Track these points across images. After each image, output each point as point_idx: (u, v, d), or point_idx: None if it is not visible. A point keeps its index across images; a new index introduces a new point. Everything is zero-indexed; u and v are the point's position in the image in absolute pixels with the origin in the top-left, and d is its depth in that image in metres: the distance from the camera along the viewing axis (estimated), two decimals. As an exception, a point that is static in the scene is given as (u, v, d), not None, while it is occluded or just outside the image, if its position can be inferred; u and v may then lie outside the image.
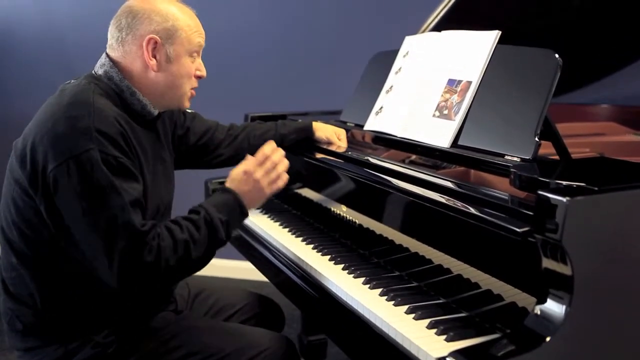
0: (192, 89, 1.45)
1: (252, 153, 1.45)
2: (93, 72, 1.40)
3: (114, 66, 1.37)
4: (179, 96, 1.43)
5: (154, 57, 1.36)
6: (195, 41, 1.41)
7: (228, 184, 1.39)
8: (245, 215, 1.38)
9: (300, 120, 1.89)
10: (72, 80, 1.39)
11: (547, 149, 1.28)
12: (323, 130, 1.83)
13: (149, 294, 1.41)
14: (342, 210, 1.65)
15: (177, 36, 1.37)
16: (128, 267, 1.20)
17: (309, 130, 1.83)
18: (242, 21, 3.19)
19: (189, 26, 1.40)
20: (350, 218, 1.61)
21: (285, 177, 1.45)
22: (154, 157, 1.44)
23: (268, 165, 1.41)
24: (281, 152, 1.44)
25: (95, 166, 1.20)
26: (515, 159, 1.23)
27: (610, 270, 1.00)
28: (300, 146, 1.82)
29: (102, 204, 1.20)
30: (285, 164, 1.44)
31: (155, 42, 1.35)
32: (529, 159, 1.21)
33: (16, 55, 3.59)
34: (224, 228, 1.32)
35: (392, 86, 1.69)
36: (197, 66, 1.44)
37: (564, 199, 0.93)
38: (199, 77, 1.46)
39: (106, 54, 1.40)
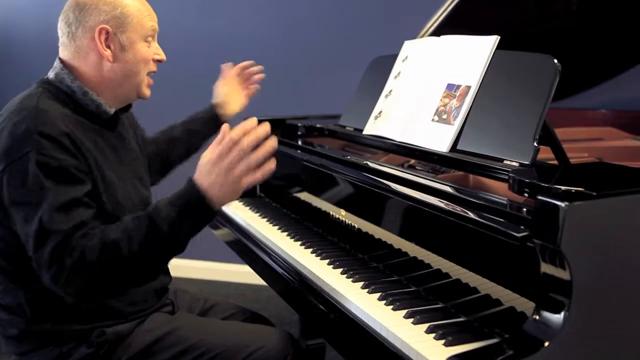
0: (150, 73, 1.42)
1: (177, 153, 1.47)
2: (46, 77, 1.38)
3: (64, 68, 1.35)
4: (137, 84, 1.40)
5: (108, 47, 1.34)
6: (148, 25, 1.39)
7: (196, 175, 1.21)
8: (212, 211, 1.20)
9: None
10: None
11: (546, 154, 1.29)
12: (234, 101, 1.84)
13: (116, 296, 1.35)
14: (341, 214, 1.65)
15: (128, 22, 1.35)
16: (56, 270, 1.17)
17: (215, 118, 1.82)
18: (241, 25, 3.19)
19: (140, 10, 1.37)
20: (349, 222, 1.61)
21: (268, 167, 1.20)
22: (117, 157, 1.41)
23: (244, 145, 1.17)
24: (265, 129, 1.20)
25: (30, 169, 1.19)
26: (514, 163, 1.23)
27: (609, 275, 1.00)
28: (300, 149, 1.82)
29: (35, 208, 1.18)
30: (270, 146, 1.20)
31: (107, 32, 1.33)
32: (527, 163, 1.21)
33: (15, 59, 3.59)
34: (169, 226, 1.17)
35: (391, 90, 1.70)
36: (155, 50, 1.42)
37: (563, 204, 0.93)
38: (158, 61, 1.43)
39: (58, 57, 1.38)
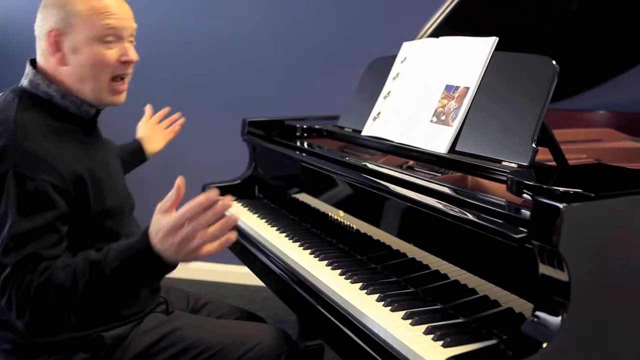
0: (119, 76, 1.33)
1: None
2: (20, 85, 1.34)
3: (37, 73, 1.31)
4: (95, 89, 1.32)
5: (60, 50, 1.29)
6: (100, 24, 1.29)
7: (150, 230, 1.13)
8: (166, 267, 1.15)
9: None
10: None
11: (544, 155, 1.29)
12: (153, 145, 1.86)
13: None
14: (340, 215, 1.65)
15: (74, 23, 1.28)
16: (6, 301, 1.15)
17: (141, 153, 1.83)
18: (241, 26, 3.19)
19: (91, 9, 1.29)
20: (348, 223, 1.61)
21: (227, 239, 1.11)
22: (105, 159, 1.40)
23: (201, 223, 1.09)
24: (224, 205, 1.09)
25: (6, 187, 1.17)
26: (512, 165, 1.24)
27: (607, 276, 1.00)
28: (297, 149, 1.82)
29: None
30: (233, 220, 1.11)
31: (56, 35, 1.28)
32: (526, 165, 1.21)
33: (14, 59, 3.58)
34: (114, 277, 1.14)
35: (389, 92, 1.70)
36: (122, 50, 1.32)
37: (561, 205, 0.93)
38: (126, 62, 1.34)
39: (28, 61, 1.35)
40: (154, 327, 1.41)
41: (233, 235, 1.12)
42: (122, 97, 1.38)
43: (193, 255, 1.13)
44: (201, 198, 1.09)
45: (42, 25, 1.31)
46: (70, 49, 1.30)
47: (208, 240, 1.11)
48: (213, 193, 1.09)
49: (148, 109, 1.94)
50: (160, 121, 1.94)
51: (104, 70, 1.31)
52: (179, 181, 1.11)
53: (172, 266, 1.16)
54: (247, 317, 1.67)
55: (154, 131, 1.91)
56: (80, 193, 1.27)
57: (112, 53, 1.31)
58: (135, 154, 1.84)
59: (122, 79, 1.36)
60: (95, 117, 1.39)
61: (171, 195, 1.12)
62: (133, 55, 1.34)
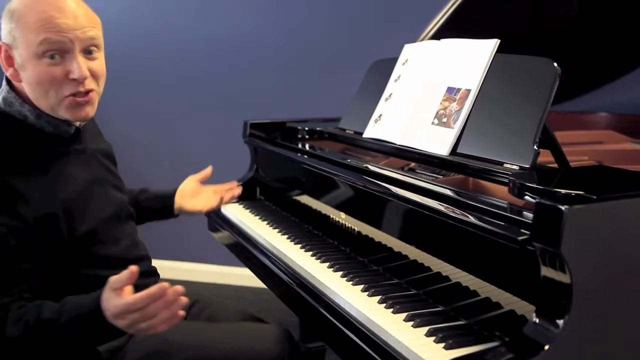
0: (73, 95, 1.21)
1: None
2: None
3: (11, 90, 1.23)
4: (51, 106, 1.22)
5: (11, 65, 1.20)
6: (37, 39, 1.16)
7: (102, 304, 1.13)
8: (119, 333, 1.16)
9: (166, 190, 1.72)
10: None
11: (546, 157, 1.29)
12: (192, 202, 1.69)
13: None
14: (341, 217, 1.65)
15: (18, 38, 1.18)
16: None
17: (168, 199, 1.67)
18: (242, 28, 3.20)
19: (30, 22, 1.16)
20: (349, 225, 1.61)
21: (174, 320, 1.12)
22: (83, 173, 1.32)
23: (149, 312, 1.09)
24: (175, 293, 1.09)
25: None
26: (514, 167, 1.24)
27: (609, 278, 1.00)
28: (298, 151, 1.82)
29: None
30: (171, 311, 1.10)
31: (7, 49, 1.20)
32: (527, 167, 1.21)
33: None
34: (61, 340, 1.16)
35: (391, 94, 1.70)
36: (67, 67, 1.19)
37: (563, 207, 0.93)
38: (75, 80, 1.20)
39: (5, 76, 1.25)
40: (149, 337, 1.32)
41: (181, 314, 1.12)
42: (87, 110, 1.24)
43: (141, 333, 1.14)
44: (154, 289, 1.07)
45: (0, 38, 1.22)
46: (19, 65, 1.20)
47: (154, 325, 1.11)
48: (166, 284, 1.09)
49: (209, 170, 1.79)
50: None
51: (51, 89, 1.19)
52: (134, 268, 1.10)
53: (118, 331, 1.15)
54: (249, 319, 1.66)
55: (207, 192, 1.75)
56: (51, 228, 1.22)
57: (56, 70, 1.19)
58: (162, 210, 1.70)
59: (87, 93, 1.23)
60: (76, 133, 1.31)
61: (122, 277, 1.10)
62: (79, 72, 1.19)
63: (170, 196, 1.71)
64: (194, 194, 1.74)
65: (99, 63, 1.27)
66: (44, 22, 1.16)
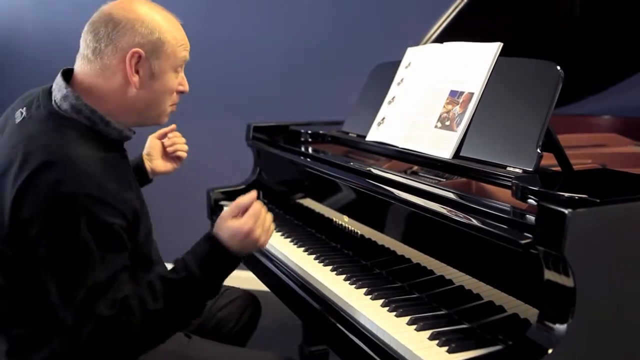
0: (172, 104, 1.35)
1: None
2: (55, 104, 1.23)
3: (80, 97, 1.22)
4: (158, 113, 1.32)
5: (137, 72, 1.24)
6: (181, 55, 1.30)
7: (224, 236, 1.25)
8: (236, 260, 1.29)
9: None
10: (25, 110, 1.24)
11: (549, 160, 1.29)
12: (161, 162, 1.73)
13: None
14: (344, 220, 1.65)
15: (162, 50, 1.25)
16: (97, 346, 1.15)
17: (140, 166, 1.69)
18: (246, 31, 3.20)
19: (176, 39, 1.28)
20: (352, 228, 1.61)
21: (272, 228, 1.35)
22: (137, 184, 1.36)
23: (267, 222, 1.30)
24: (262, 207, 1.30)
25: (80, 236, 1.12)
26: (517, 170, 1.23)
27: (612, 282, 1.00)
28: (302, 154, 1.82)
29: (77, 282, 1.12)
30: (270, 217, 1.33)
31: (140, 57, 1.22)
32: (530, 170, 1.21)
33: (17, 63, 3.60)
34: (203, 294, 1.24)
35: (394, 97, 1.70)
36: (180, 81, 1.33)
37: (566, 211, 0.93)
38: (181, 92, 1.35)
39: (62, 78, 1.25)
40: (171, 351, 1.35)
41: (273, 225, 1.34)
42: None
43: (257, 245, 1.29)
44: (256, 208, 1.28)
45: (119, 38, 1.22)
46: (149, 73, 1.25)
47: (263, 239, 1.30)
48: (259, 204, 1.30)
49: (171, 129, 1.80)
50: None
51: (170, 98, 1.32)
52: (254, 192, 1.30)
53: (239, 260, 1.29)
54: (251, 300, 1.74)
55: (155, 146, 1.77)
56: (135, 227, 1.26)
57: (177, 82, 1.33)
58: (135, 169, 1.67)
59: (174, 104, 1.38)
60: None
61: (244, 201, 1.28)
62: (187, 86, 1.36)
63: (140, 162, 1.72)
64: (163, 154, 1.76)
65: None
66: (184, 41, 1.31)
